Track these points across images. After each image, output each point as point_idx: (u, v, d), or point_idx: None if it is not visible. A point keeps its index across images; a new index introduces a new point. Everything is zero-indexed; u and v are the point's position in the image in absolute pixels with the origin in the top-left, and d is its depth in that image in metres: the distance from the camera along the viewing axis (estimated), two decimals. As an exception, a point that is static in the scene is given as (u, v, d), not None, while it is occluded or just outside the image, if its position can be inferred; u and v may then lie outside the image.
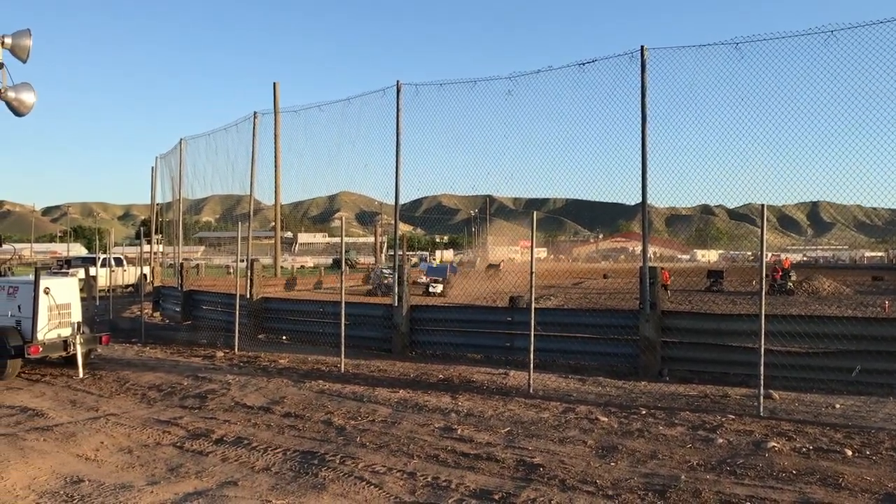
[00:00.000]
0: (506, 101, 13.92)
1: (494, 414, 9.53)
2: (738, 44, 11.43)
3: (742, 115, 12.21)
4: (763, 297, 9.37)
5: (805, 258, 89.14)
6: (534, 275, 11.09)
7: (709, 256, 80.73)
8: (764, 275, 9.47)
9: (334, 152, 17.24)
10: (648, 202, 12.19)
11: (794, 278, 41.67)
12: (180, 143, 23.17)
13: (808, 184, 11.65)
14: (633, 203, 13.02)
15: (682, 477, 6.89)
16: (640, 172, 12.17)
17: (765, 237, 9.47)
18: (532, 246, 10.98)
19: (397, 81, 14.81)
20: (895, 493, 6.40)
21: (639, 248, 12.83)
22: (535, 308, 11.32)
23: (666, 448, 7.88)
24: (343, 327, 13.00)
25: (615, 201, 13.76)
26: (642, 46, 11.98)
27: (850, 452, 7.59)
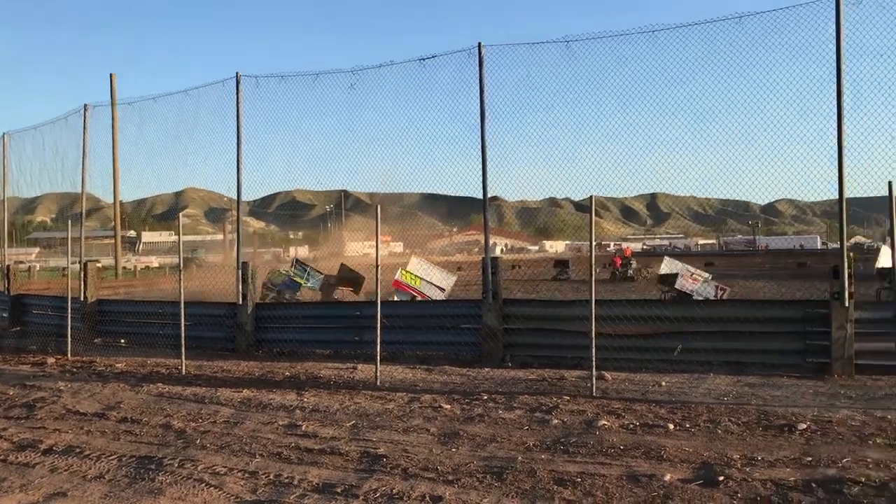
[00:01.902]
0: (350, 94, 13.89)
1: (340, 408, 9.52)
2: (568, 42, 11.95)
3: (580, 110, 12.78)
4: (593, 284, 9.87)
5: (645, 246, 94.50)
6: (379, 268, 11.16)
7: (556, 247, 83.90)
8: (594, 262, 9.97)
9: (174, 146, 16.58)
10: (499, 195, 12.54)
11: (634, 266, 44.07)
12: (2, 138, 21.59)
13: (648, 177, 12.40)
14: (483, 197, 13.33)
15: (519, 458, 7.15)
16: (481, 167, 12.49)
17: (593, 227, 9.98)
18: (377, 239, 11.03)
19: (237, 73, 14.46)
20: (710, 462, 6.91)
21: (490, 241, 13.17)
22: (383, 301, 11.40)
23: (505, 431, 8.15)
24: (183, 328, 12.57)
25: (468, 195, 14.03)
26: (479, 43, 12.28)
27: (672, 426, 8.13)
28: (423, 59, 12.67)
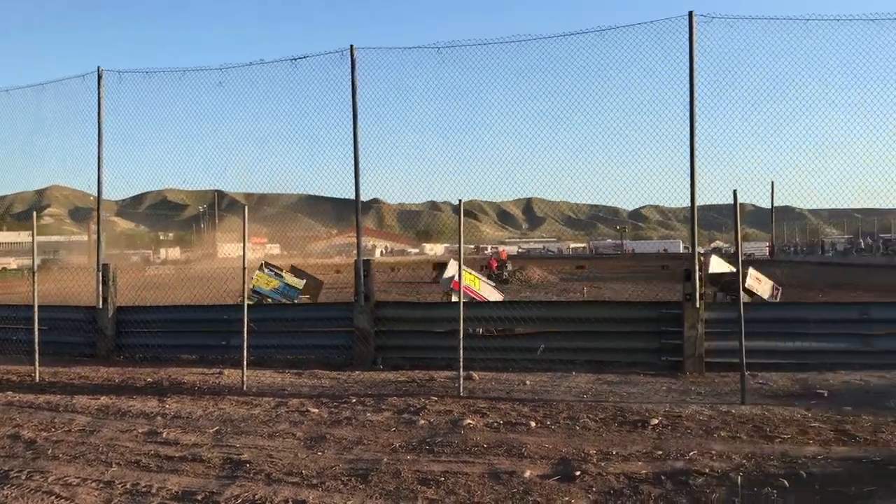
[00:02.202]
0: (219, 93, 13.55)
1: (204, 414, 9.28)
2: (440, 48, 12.11)
3: (454, 116, 12.97)
4: (462, 286, 10.06)
5: (520, 249, 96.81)
6: (246, 270, 10.94)
7: (436, 250, 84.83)
8: (461, 262, 10.16)
9: (32, 143, 15.71)
10: (380, 198, 12.53)
11: (510, 268, 45.08)
12: None
13: (524, 182, 12.76)
14: (364, 199, 13.25)
15: (385, 459, 7.19)
16: (353, 169, 12.47)
17: (462, 230, 10.17)
18: (245, 241, 10.80)
19: (98, 67, 13.83)
20: (568, 458, 7.17)
21: (370, 243, 13.14)
22: (250, 305, 11.19)
23: (372, 433, 8.18)
24: (37, 332, 11.91)
25: (350, 197, 13.94)
26: (351, 45, 12.26)
27: (534, 424, 8.39)
28: (295, 60, 12.53)
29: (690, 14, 10.80)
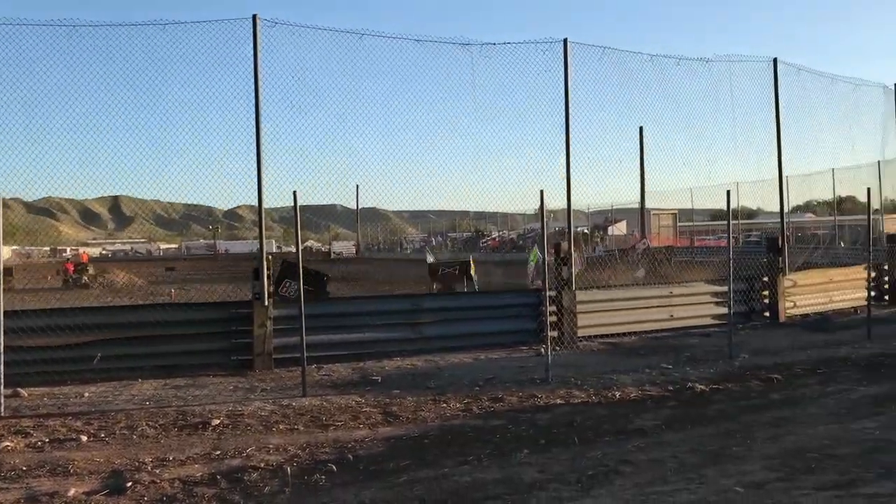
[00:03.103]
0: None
1: None
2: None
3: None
4: (1, 294, 8.94)
5: (105, 251, 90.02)
6: None
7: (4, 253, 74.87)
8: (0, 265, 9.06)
9: None
10: None
11: (90, 272, 41.69)
12: None
13: (111, 178, 11.72)
14: None
15: None
16: None
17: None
18: None
19: None
20: (121, 469, 6.80)
21: None
22: None
23: None
24: None
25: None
26: None
27: (85, 438, 7.82)
28: None
29: (254, 17, 10.99)
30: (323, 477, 6.46)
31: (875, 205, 22.87)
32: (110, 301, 28.04)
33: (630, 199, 41.65)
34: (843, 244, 35.48)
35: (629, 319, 14.28)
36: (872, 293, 15.33)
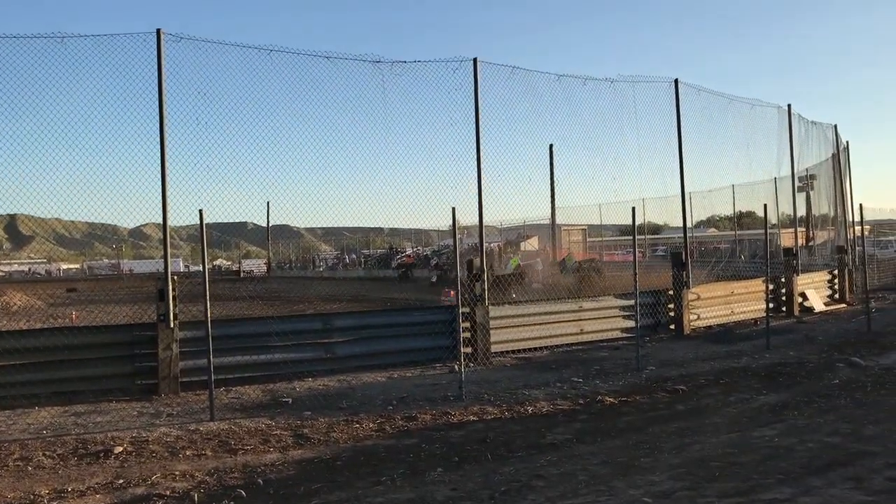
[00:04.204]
0: None
1: None
2: None
3: None
4: None
5: (0, 273, 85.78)
6: None
7: None
8: None
9: None
10: None
11: (-20, 295, 39.61)
12: None
13: (7, 196, 11.17)
14: None
15: None
16: None
17: None
18: None
19: None
20: (13, 502, 6.47)
21: None
22: None
23: None
24: None
25: None
26: None
27: (-17, 471, 7.41)
28: None
29: (158, 31, 10.72)
30: (232, 503, 6.30)
31: (772, 219, 24.01)
32: (5, 325, 26.69)
33: (541, 215, 42.39)
34: (742, 257, 37.00)
35: (541, 334, 14.49)
36: (770, 304, 16.00)
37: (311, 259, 75.44)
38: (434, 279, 39.07)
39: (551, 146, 28.87)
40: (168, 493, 6.62)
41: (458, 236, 11.24)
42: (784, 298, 19.80)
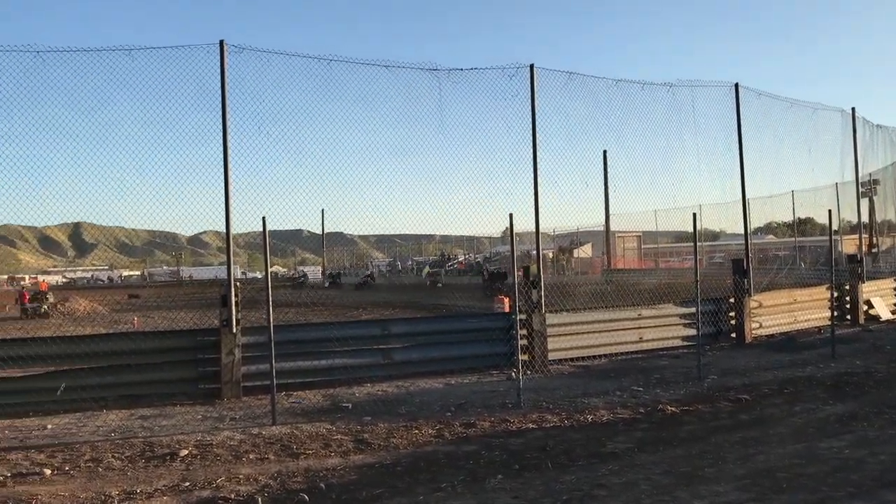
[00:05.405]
0: None
1: None
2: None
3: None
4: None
5: (65, 279, 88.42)
6: None
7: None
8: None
9: None
10: None
11: (50, 300, 40.77)
12: None
13: (71, 204, 11.53)
14: None
15: None
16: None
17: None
18: None
19: None
20: (85, 502, 6.65)
21: None
22: None
23: None
24: None
25: None
26: None
27: (49, 472, 7.62)
28: None
29: (221, 43, 10.95)
30: (295, 507, 6.37)
31: (834, 226, 23.40)
32: (72, 330, 27.46)
33: (595, 221, 42.10)
34: (804, 265, 36.13)
35: (599, 342, 14.34)
36: (835, 312, 15.59)
37: (365, 266, 75.44)
38: (487, 286, 38.92)
39: (605, 152, 28.66)
40: (233, 496, 6.71)
41: (514, 243, 11.19)
42: (848, 306, 19.26)
